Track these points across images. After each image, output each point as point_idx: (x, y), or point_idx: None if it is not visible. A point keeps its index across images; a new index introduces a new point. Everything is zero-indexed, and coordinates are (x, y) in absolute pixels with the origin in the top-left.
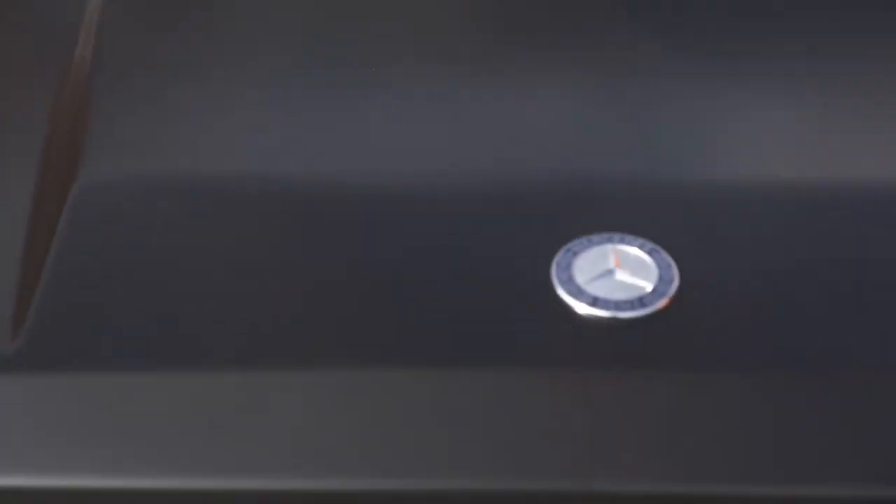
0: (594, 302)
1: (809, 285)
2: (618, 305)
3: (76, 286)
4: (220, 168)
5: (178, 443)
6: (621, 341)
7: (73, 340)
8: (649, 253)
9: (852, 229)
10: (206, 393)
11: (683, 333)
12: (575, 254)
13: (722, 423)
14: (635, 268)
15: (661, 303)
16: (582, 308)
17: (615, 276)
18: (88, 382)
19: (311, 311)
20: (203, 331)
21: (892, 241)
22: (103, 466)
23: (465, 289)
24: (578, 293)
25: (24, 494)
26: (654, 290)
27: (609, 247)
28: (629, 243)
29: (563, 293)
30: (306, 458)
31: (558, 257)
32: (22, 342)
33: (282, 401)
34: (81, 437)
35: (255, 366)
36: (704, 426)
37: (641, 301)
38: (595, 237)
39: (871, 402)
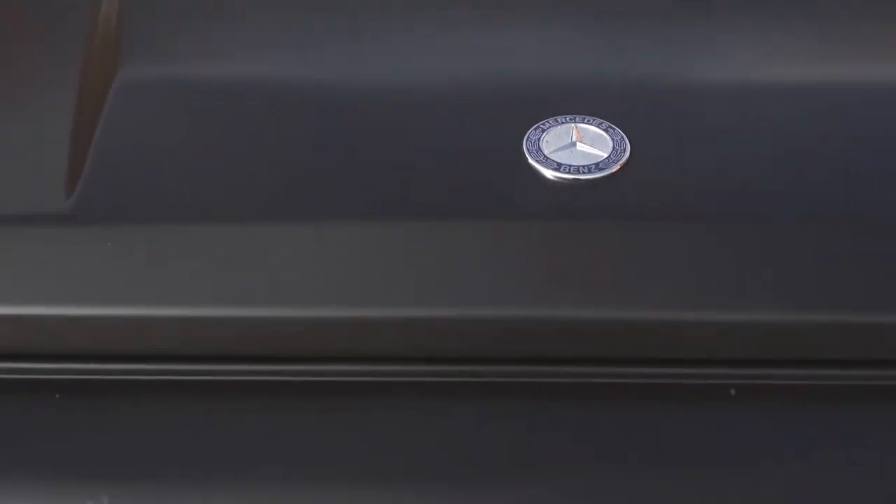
0: (558, 167)
1: (741, 154)
2: (578, 170)
3: (120, 155)
4: (243, 63)
5: (211, 280)
6: (582, 198)
7: (117, 199)
8: (606, 130)
9: (788, 112)
10: (234, 239)
11: (633, 192)
12: (543, 131)
13: (665, 260)
14: (594, 141)
15: (615, 168)
16: (548, 173)
17: (577, 147)
18: (131, 232)
19: (318, 176)
20: (228, 190)
21: (814, 115)
22: (144, 299)
23: (451, 158)
24: (545, 161)
25: (81, 321)
26: (608, 158)
27: (572, 125)
28: (589, 123)
29: (532, 161)
30: (320, 289)
31: (529, 133)
32: (75, 200)
33: (292, 245)
34: (125, 276)
35: (269, 218)
36: (650, 262)
37: (598, 166)
38: (560, 118)
39: (797, 243)
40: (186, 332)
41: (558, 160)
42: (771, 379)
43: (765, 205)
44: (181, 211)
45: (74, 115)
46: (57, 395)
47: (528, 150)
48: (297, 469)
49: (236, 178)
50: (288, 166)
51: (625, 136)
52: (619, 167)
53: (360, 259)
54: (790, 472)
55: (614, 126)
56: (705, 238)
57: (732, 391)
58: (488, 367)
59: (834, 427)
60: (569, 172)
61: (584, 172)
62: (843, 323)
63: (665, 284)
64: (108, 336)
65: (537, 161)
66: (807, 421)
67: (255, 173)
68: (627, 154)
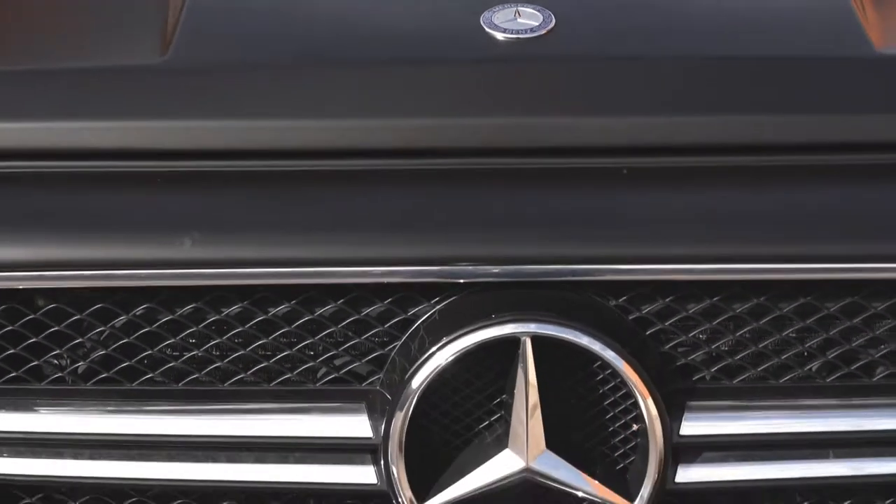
0: (505, 31)
1: (637, 29)
2: (518, 32)
3: (208, 21)
4: None
5: (265, 104)
6: (521, 49)
7: (201, 60)
8: (539, 10)
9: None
10: (287, 81)
11: (555, 45)
12: (493, 12)
13: (571, 80)
14: (530, 17)
15: (543, 31)
16: (498, 35)
17: (517, 20)
18: (217, 78)
19: (341, 42)
20: (285, 51)
21: None
22: (219, 114)
23: (431, 29)
24: (495, 28)
25: (177, 129)
26: (539, 26)
27: (514, 8)
28: (527, 6)
29: (487, 29)
30: (344, 105)
31: (483, 13)
32: (168, 57)
33: (319, 82)
34: (210, 108)
35: (299, 66)
36: (563, 82)
37: (532, 30)
38: (506, 4)
39: (670, 71)
40: (250, 135)
41: (504, 27)
42: (652, 163)
43: (650, 50)
44: (257, 60)
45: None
46: (159, 180)
47: (483, 23)
48: (320, 221)
49: (295, 39)
50: (318, 38)
51: (552, 14)
52: (546, 31)
53: (361, 89)
54: (661, 222)
55: (546, 8)
56: (601, 68)
57: (624, 171)
58: (459, 158)
59: (689, 196)
60: (512, 34)
61: (522, 34)
62: (692, 122)
63: (573, 94)
64: (194, 139)
65: (490, 28)
66: (671, 191)
67: (301, 39)
68: (553, 24)
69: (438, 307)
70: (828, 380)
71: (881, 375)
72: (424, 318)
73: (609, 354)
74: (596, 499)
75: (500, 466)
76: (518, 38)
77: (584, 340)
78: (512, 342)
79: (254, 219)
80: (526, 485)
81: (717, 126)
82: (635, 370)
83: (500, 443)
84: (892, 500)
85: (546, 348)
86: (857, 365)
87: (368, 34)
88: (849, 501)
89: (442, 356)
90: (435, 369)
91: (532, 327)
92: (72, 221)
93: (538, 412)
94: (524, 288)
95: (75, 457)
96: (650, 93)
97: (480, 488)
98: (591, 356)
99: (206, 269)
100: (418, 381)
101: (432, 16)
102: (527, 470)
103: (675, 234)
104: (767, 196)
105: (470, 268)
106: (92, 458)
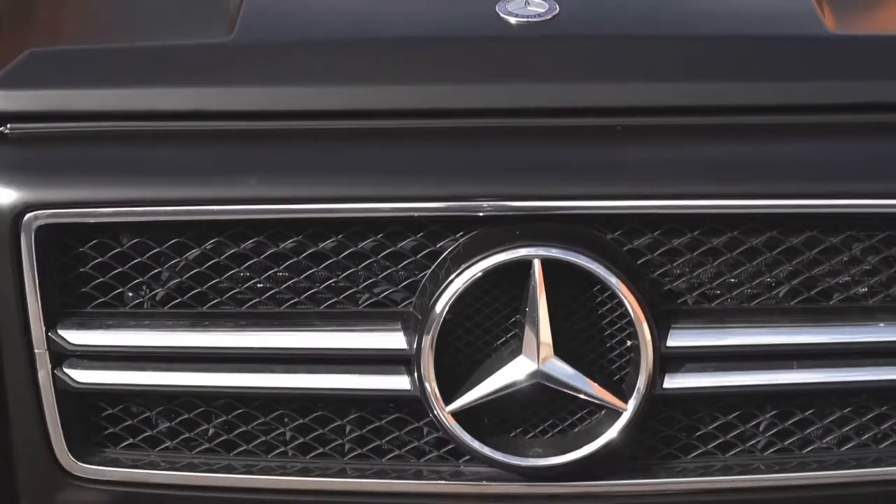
0: (517, 16)
1: (631, 17)
2: (528, 17)
3: (266, 6)
4: None
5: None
6: (530, 30)
7: (263, 38)
8: (546, 1)
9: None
10: (328, 45)
11: (558, 27)
12: (507, 1)
13: (572, 53)
14: (538, 5)
15: (549, 17)
16: (512, 19)
17: (528, 8)
18: (276, 53)
19: (374, 26)
20: (338, 30)
21: None
22: (284, 80)
23: (454, 15)
24: (509, 13)
25: (248, 93)
26: (545, 12)
27: None
28: None
29: (502, 14)
30: (387, 72)
31: (498, 3)
32: (234, 36)
33: (356, 55)
34: (272, 77)
35: (350, 42)
36: (564, 55)
37: (539, 15)
38: None
39: (660, 47)
40: (307, 98)
41: (517, 13)
42: (642, 122)
43: (638, 30)
44: (299, 38)
45: None
46: (228, 135)
47: (499, 10)
48: (364, 166)
49: (341, 21)
50: (362, 20)
51: (556, 3)
52: (551, 17)
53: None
54: (648, 166)
55: (553, 0)
56: (597, 44)
57: (618, 128)
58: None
59: (671, 146)
60: (523, 18)
61: (531, 18)
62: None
63: (574, 65)
64: (259, 102)
65: (504, 14)
66: (657, 143)
67: (347, 21)
68: (557, 11)
69: (462, 240)
70: (791, 303)
71: (837, 299)
72: (450, 249)
73: (612, 279)
74: (595, 399)
75: (515, 371)
76: (528, 21)
77: (592, 265)
78: (525, 266)
79: (309, 164)
80: (536, 389)
81: (696, 91)
82: (631, 292)
83: (515, 352)
84: (849, 408)
85: (553, 274)
86: (816, 290)
87: (403, 20)
88: (812, 409)
89: (464, 278)
90: (459, 289)
91: (541, 251)
92: (156, 168)
93: (547, 324)
94: (535, 221)
95: (154, 369)
96: (639, 64)
97: (498, 390)
98: (594, 280)
99: (268, 205)
100: (445, 299)
101: (458, 6)
102: (537, 373)
103: (659, 175)
104: (737, 146)
105: (488, 203)
106: (168, 370)
